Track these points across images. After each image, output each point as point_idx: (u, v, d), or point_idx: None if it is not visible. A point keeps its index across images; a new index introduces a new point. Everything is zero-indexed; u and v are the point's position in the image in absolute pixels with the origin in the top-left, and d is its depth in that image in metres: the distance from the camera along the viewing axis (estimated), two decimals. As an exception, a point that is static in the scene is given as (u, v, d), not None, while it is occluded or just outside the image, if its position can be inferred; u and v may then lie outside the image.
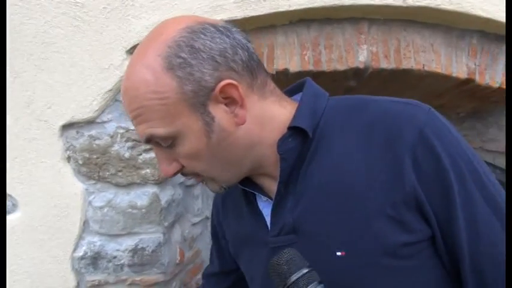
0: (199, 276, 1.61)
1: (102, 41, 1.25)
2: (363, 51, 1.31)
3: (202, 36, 0.54)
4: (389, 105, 0.58)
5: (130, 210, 1.30)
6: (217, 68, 0.54)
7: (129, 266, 1.32)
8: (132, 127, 1.29)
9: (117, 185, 1.30)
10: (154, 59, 0.53)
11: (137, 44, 1.24)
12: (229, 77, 0.54)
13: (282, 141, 0.58)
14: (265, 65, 0.72)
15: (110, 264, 1.32)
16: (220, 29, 0.56)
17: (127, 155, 1.29)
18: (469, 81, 1.35)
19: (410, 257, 0.54)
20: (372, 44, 1.32)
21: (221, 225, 0.79)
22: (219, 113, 0.55)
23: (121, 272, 1.32)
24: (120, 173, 1.30)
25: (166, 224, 1.34)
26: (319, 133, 0.59)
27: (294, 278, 0.50)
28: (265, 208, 0.65)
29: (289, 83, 0.69)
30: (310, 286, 0.50)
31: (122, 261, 1.31)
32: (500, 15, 1.26)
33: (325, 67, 1.32)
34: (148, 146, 1.28)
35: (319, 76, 1.34)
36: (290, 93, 0.66)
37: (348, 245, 0.55)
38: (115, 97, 1.28)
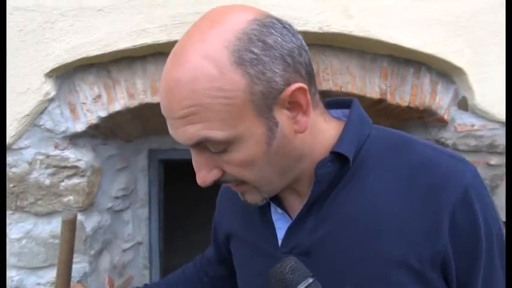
0: (131, 304, 1.56)
1: (18, 64, 1.20)
2: (285, 74, 1.38)
3: (274, 31, 0.49)
4: (435, 153, 0.55)
5: (52, 240, 1.23)
6: (286, 69, 0.49)
7: (52, 299, 1.24)
8: (53, 153, 1.24)
9: (37, 215, 1.24)
10: (219, 51, 0.46)
11: (57, 68, 1.21)
12: (296, 80, 0.49)
13: (321, 164, 0.55)
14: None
15: (30, 299, 1.24)
16: (286, 26, 0.51)
17: (47, 182, 1.23)
18: (381, 101, 1.47)
19: None
20: (294, 67, 1.39)
21: (221, 226, 0.75)
22: (283, 119, 0.50)
23: (42, 307, 1.25)
24: (40, 202, 1.23)
25: (92, 252, 1.29)
26: (357, 162, 0.56)
27: (301, 287, 0.50)
28: (279, 221, 0.61)
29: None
30: None
31: (44, 296, 1.24)
32: (405, 41, 1.40)
33: (250, 89, 1.36)
34: (70, 172, 1.24)
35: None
36: (327, 106, 0.62)
37: (361, 286, 0.53)
38: (33, 122, 1.23)
